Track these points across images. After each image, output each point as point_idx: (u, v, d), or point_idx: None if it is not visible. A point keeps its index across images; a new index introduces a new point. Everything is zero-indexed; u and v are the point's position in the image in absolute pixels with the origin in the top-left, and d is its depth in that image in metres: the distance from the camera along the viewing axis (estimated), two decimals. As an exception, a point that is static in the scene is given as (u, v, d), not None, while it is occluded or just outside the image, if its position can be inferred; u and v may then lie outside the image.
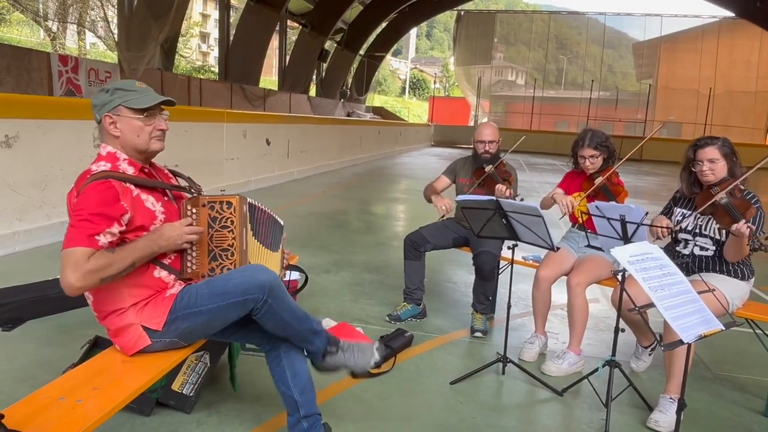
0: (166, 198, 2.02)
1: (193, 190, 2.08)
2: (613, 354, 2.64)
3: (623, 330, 2.65)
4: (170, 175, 2.20)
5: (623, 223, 2.45)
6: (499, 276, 3.84)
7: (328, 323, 3.43)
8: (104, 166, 1.88)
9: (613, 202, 3.03)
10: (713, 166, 2.75)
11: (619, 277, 3.18)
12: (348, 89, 28.20)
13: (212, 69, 35.22)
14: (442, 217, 3.77)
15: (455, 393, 2.82)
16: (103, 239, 1.76)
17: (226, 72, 17.72)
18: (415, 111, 51.76)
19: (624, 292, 2.60)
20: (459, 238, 3.84)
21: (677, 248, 2.91)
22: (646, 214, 2.48)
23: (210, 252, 1.98)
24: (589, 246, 2.79)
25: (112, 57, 22.14)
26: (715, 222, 2.73)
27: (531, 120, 30.96)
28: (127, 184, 1.87)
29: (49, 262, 4.59)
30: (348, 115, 25.45)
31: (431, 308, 3.95)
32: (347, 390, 2.78)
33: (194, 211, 1.96)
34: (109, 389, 1.67)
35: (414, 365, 3.11)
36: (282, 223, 2.15)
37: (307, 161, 12.06)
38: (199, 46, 45.94)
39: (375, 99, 37.80)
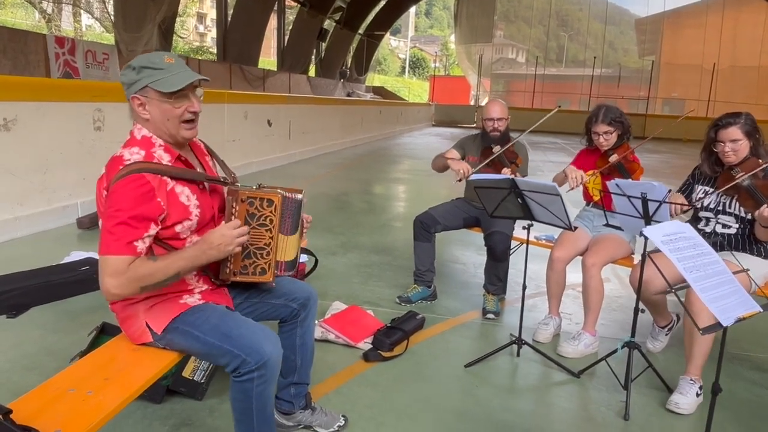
0: (201, 187, 1.85)
1: (229, 180, 1.92)
2: (632, 335, 2.59)
3: (643, 311, 2.60)
4: (206, 152, 2.04)
5: (644, 201, 2.37)
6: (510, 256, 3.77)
7: (337, 306, 3.37)
8: (138, 153, 1.72)
9: (633, 180, 2.95)
10: (735, 146, 2.66)
11: (637, 257, 3.12)
12: (348, 69, 27.89)
13: (210, 50, 34.85)
14: (459, 180, 3.51)
15: (470, 376, 2.77)
16: (142, 245, 1.64)
17: (225, 53, 17.48)
18: (415, 90, 51.32)
19: (642, 275, 2.54)
20: (470, 219, 3.76)
21: (698, 226, 2.84)
22: (669, 191, 2.40)
23: (244, 249, 1.87)
24: (607, 225, 2.71)
25: (109, 38, 21.84)
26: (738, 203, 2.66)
27: (533, 98, 30.65)
28: (163, 177, 1.72)
29: (52, 247, 4.54)
30: (348, 95, 25.20)
31: (440, 290, 3.89)
32: (360, 374, 2.73)
33: (236, 207, 1.82)
34: (120, 379, 1.61)
35: (427, 348, 3.06)
36: (300, 197, 1.95)
37: (308, 142, 11.95)
38: (196, 27, 45.40)
39: (375, 79, 37.43)
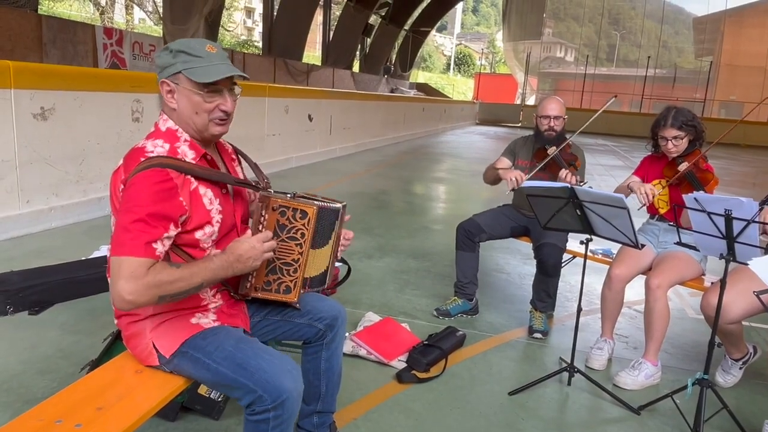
0: (224, 192, 1.64)
1: (261, 185, 1.70)
2: (706, 371, 2.26)
3: (720, 345, 2.26)
4: (234, 156, 1.83)
5: (728, 219, 2.03)
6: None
7: (371, 318, 3.14)
8: (161, 147, 1.54)
9: (707, 192, 2.60)
10: None
11: (709, 278, 2.77)
12: (392, 65, 27.64)
13: (256, 44, 35.13)
14: (512, 189, 3.21)
15: (515, 406, 2.48)
16: (161, 247, 1.45)
17: (270, 46, 17.50)
18: (460, 88, 50.62)
19: (720, 303, 2.20)
20: (518, 228, 3.46)
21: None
22: (761, 210, 2.05)
23: (270, 263, 1.66)
24: (679, 243, 2.38)
25: (158, 31, 22.20)
26: None
27: (582, 98, 29.73)
28: (187, 176, 1.53)
29: (85, 239, 4.45)
30: (391, 92, 24.96)
31: (482, 302, 3.60)
32: (392, 398, 2.48)
33: (265, 215, 1.62)
34: (115, 410, 1.40)
35: (467, 370, 2.78)
36: (337, 206, 1.74)
37: (349, 138, 11.76)
38: (244, 21, 45.95)
39: (419, 75, 37.04)
